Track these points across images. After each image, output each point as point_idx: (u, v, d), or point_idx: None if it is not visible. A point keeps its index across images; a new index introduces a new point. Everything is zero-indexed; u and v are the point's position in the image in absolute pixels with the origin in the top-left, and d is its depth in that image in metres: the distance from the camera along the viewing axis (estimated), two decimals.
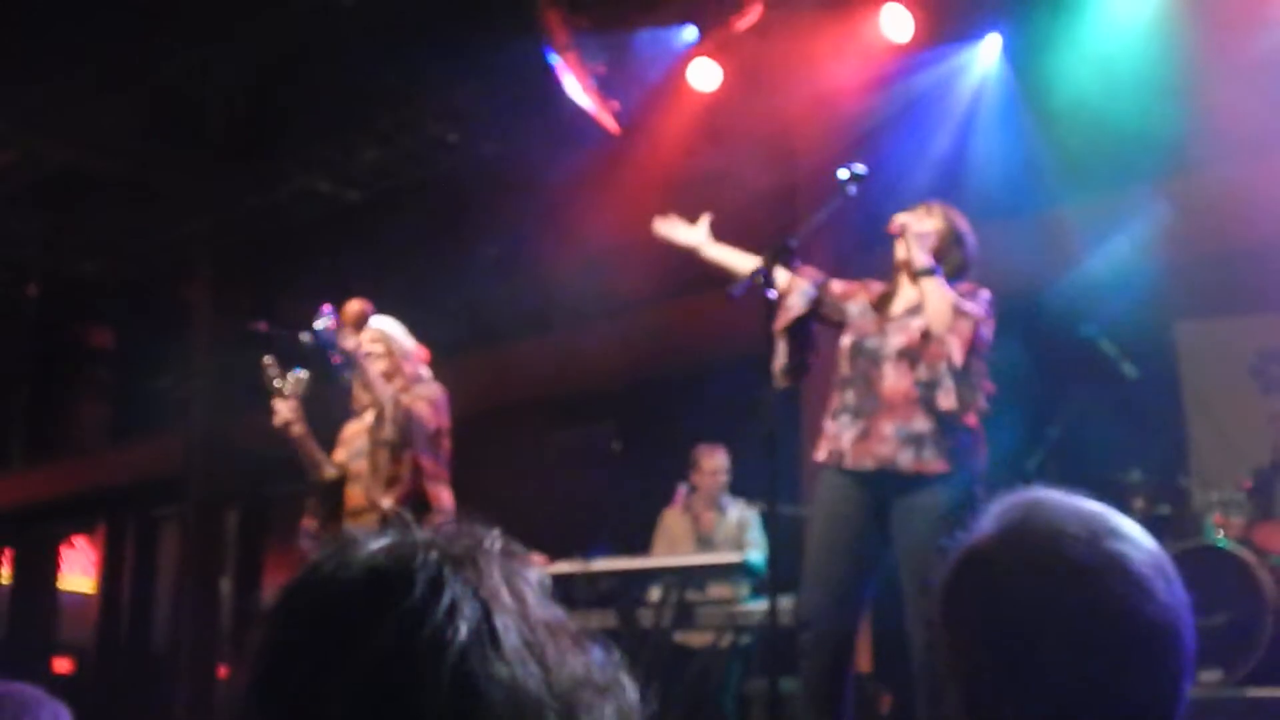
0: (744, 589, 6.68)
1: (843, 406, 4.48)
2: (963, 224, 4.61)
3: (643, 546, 7.34)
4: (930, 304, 4.33)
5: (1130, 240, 7.10)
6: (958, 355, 4.29)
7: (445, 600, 1.05)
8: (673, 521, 7.36)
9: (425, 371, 5.44)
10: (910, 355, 4.39)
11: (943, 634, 1.48)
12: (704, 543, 7.14)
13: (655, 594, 6.26)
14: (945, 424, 4.30)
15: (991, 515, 1.51)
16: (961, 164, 7.85)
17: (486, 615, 1.05)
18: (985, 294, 4.49)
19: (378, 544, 1.10)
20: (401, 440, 5.04)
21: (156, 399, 13.96)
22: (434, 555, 1.08)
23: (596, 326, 9.95)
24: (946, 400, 4.28)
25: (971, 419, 4.33)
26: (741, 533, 7.13)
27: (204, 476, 12.37)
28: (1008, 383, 7.52)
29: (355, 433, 5.31)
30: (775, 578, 4.18)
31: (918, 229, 4.44)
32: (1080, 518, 1.45)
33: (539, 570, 1.13)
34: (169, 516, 14.19)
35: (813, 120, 8.29)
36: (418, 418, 5.08)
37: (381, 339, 5.33)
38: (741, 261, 4.68)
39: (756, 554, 6.47)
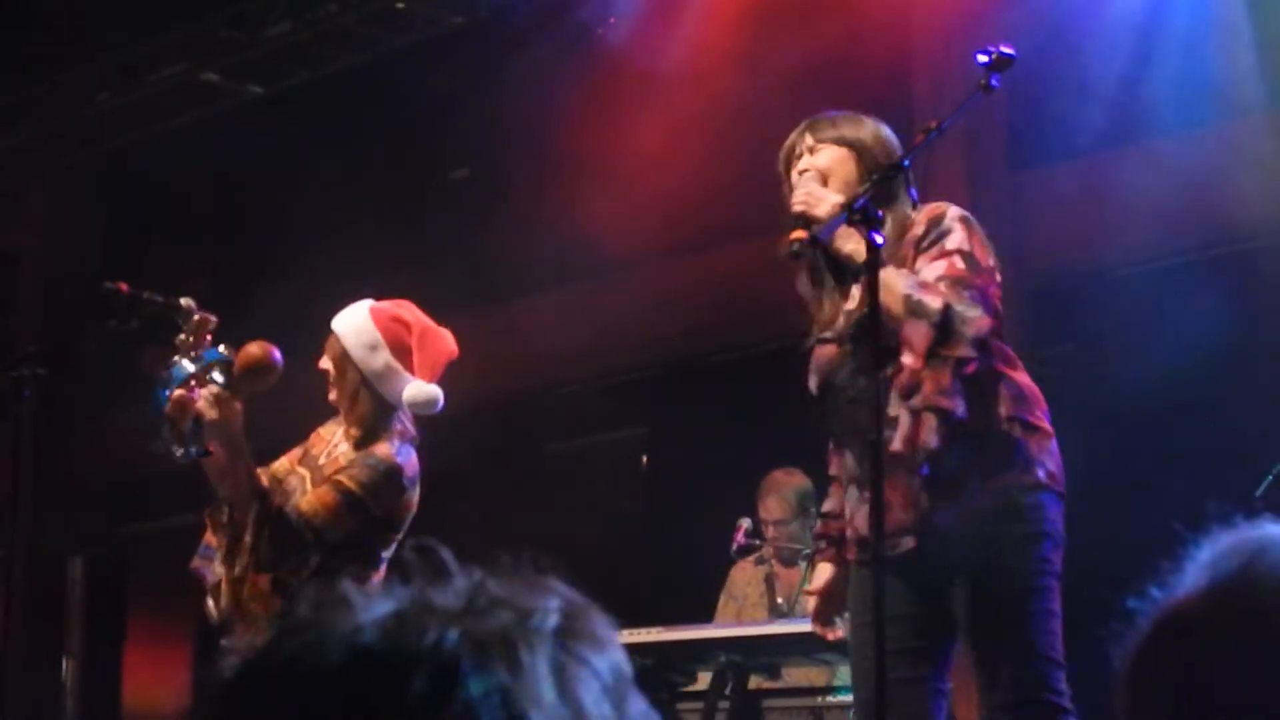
0: (837, 672, 6.72)
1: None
2: (866, 129, 4.73)
3: (687, 610, 7.38)
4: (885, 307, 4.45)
5: None
6: (917, 364, 4.45)
7: (456, 707, 1.03)
8: (742, 578, 7.40)
9: (421, 394, 5.43)
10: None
11: None
12: (784, 613, 7.17)
13: (705, 680, 6.30)
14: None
15: (1201, 565, 1.52)
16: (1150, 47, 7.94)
17: None
18: (951, 214, 4.58)
19: (380, 607, 1.08)
20: (274, 578, 5.08)
21: None
22: (453, 635, 1.06)
23: (612, 284, 9.99)
24: (898, 441, 4.50)
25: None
26: None
27: (36, 508, 12.44)
28: (1215, 367, 7.60)
29: (318, 450, 5.39)
30: (884, 653, 4.23)
31: (820, 203, 4.52)
32: None
33: (616, 657, 1.12)
34: None
35: None
36: (302, 535, 5.07)
37: (335, 349, 5.33)
38: None
39: None
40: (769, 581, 7.31)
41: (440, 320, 5.44)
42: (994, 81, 4.57)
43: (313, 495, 5.19)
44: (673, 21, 9.17)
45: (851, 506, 4.66)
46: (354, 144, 10.45)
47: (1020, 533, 4.47)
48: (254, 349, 5.19)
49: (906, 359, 4.42)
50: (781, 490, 7.37)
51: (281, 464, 5.43)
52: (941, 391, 4.44)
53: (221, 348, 5.14)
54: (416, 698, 1.02)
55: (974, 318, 4.41)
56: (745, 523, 7.32)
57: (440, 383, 5.40)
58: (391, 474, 5.21)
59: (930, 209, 4.59)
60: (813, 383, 4.69)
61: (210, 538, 5.32)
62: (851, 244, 4.46)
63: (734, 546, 7.32)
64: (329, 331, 5.39)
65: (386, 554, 5.27)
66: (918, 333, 4.40)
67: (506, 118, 9.95)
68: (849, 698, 6.13)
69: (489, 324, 10.61)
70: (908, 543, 4.50)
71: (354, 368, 5.31)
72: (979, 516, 4.45)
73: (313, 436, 5.47)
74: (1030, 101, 7.97)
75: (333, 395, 5.37)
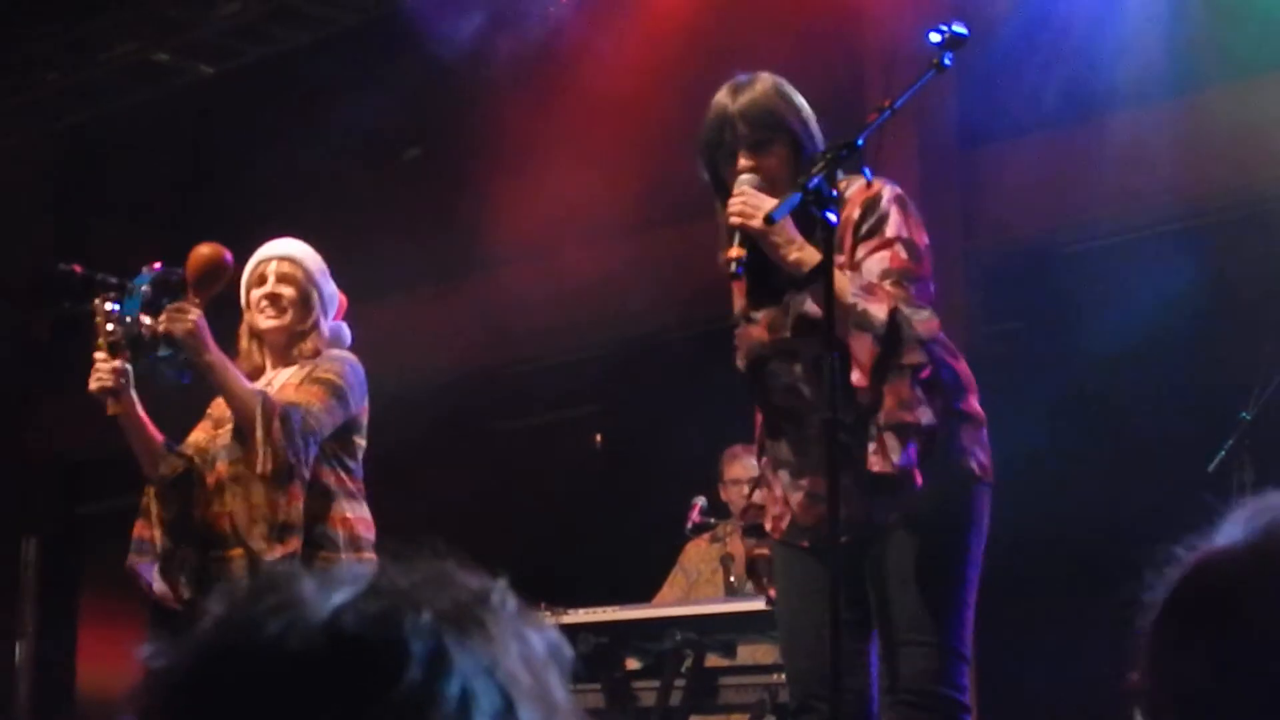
0: None
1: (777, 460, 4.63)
2: (794, 112, 4.54)
3: (641, 589, 7.39)
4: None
5: None
6: (862, 382, 4.30)
7: (454, 686, 1.03)
8: (696, 555, 7.42)
9: (345, 330, 5.49)
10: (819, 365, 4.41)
11: (1152, 679, 1.51)
12: (737, 591, 7.19)
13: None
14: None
15: (1235, 521, 1.52)
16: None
17: (509, 710, 1.04)
18: (886, 195, 4.47)
19: (338, 593, 1.07)
20: (286, 469, 5.07)
21: None
22: (427, 616, 1.05)
23: (567, 261, 9.99)
24: (877, 461, 4.35)
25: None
26: None
27: None
28: (1170, 344, 7.63)
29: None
30: (840, 632, 4.24)
31: (760, 213, 4.27)
32: None
33: (554, 637, 1.12)
34: None
35: None
36: (306, 423, 5.10)
37: (295, 275, 5.38)
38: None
39: None
40: (724, 561, 7.33)
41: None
42: (947, 60, 4.56)
43: (298, 393, 5.19)
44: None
45: (782, 490, 4.59)
46: (307, 123, 10.39)
47: (947, 525, 4.43)
48: (204, 249, 5.23)
49: (855, 377, 4.29)
50: (743, 458, 7.39)
51: (197, 438, 5.39)
52: (903, 405, 4.32)
53: (147, 268, 5.16)
54: (419, 679, 1.02)
55: (923, 320, 4.34)
56: (700, 501, 7.36)
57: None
58: (356, 368, 5.34)
59: (862, 188, 4.44)
60: (741, 362, 4.59)
61: (141, 530, 5.32)
62: (797, 251, 4.34)
63: (689, 525, 7.35)
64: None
65: (360, 462, 5.34)
66: (863, 348, 4.29)
67: (461, 95, 9.92)
68: None
69: (445, 301, 10.60)
70: (841, 539, 4.32)
71: (317, 291, 5.41)
72: (912, 509, 4.40)
73: (212, 407, 5.45)
74: (981, 78, 7.98)
75: (285, 320, 5.36)
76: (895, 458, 4.31)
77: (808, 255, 4.32)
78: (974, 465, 4.48)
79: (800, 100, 4.57)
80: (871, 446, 4.34)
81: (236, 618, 1.07)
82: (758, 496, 4.75)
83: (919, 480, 4.34)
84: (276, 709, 1.02)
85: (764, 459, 4.68)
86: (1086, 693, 7.34)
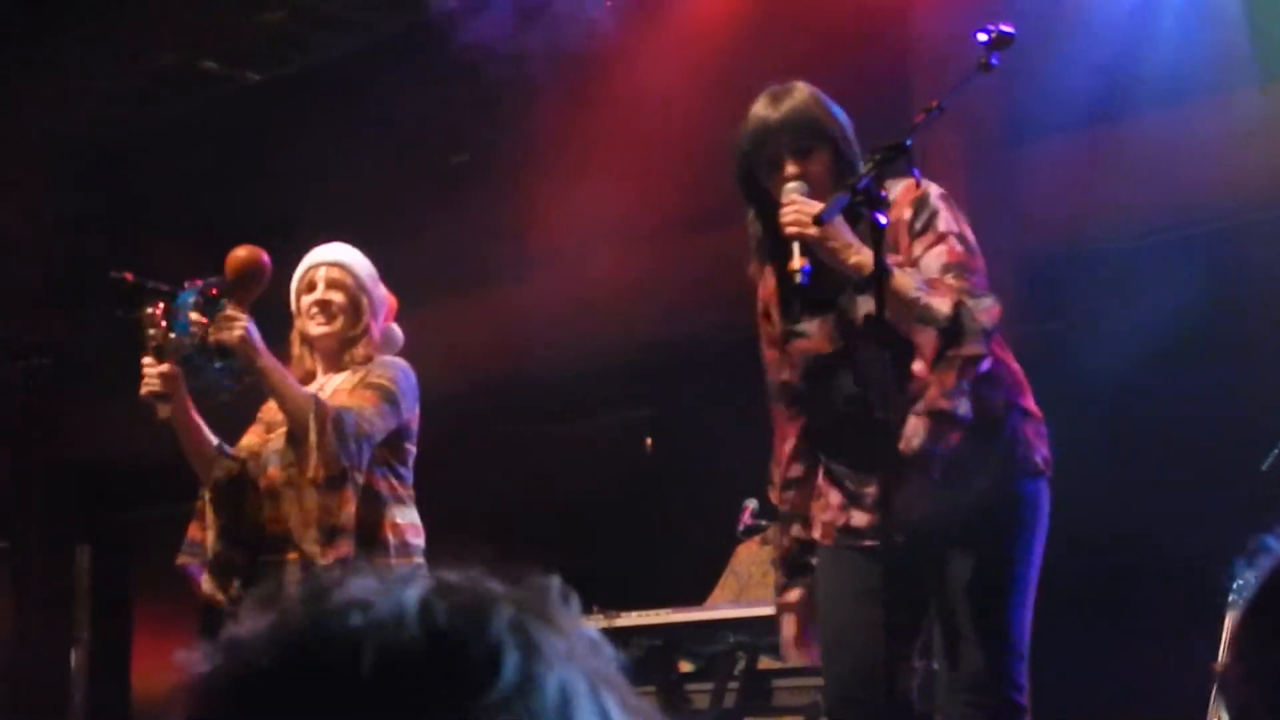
0: None
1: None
2: (834, 118, 4.59)
3: (692, 591, 7.39)
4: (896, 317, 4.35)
5: None
6: (924, 372, 4.36)
7: (552, 676, 1.03)
8: (747, 558, 7.42)
9: (396, 332, 5.52)
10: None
11: (1241, 671, 1.51)
12: None
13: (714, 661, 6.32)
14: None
15: None
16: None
17: (597, 698, 1.04)
18: (933, 193, 4.52)
19: (421, 587, 1.06)
20: (339, 473, 5.09)
21: None
22: (510, 610, 1.05)
23: (620, 261, 10.00)
24: (904, 442, 4.39)
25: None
26: None
27: (45, 496, 12.42)
28: (1212, 344, 7.59)
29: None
30: (895, 633, 4.24)
31: (808, 214, 4.32)
32: None
33: (598, 635, 1.13)
34: None
35: None
36: (359, 428, 5.12)
37: (345, 281, 5.40)
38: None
39: None
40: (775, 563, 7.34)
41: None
42: (994, 60, 4.57)
43: (351, 398, 5.22)
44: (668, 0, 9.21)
45: (841, 497, 4.63)
46: (351, 130, 10.43)
47: (1015, 521, 4.49)
48: (240, 252, 5.26)
49: (917, 367, 4.34)
50: None
51: (250, 441, 5.43)
52: (945, 394, 4.33)
53: (188, 283, 5.19)
54: (514, 673, 1.02)
55: (987, 308, 4.37)
56: (751, 504, 7.36)
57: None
58: (408, 373, 5.37)
59: (907, 188, 4.50)
60: (795, 377, 4.63)
61: (194, 531, 5.36)
62: (855, 255, 4.36)
63: (740, 527, 7.36)
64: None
65: (410, 468, 5.36)
66: (927, 340, 4.34)
67: (504, 100, 9.94)
68: None
69: (495, 305, 10.61)
70: (898, 538, 4.40)
71: (367, 296, 5.44)
72: (976, 505, 4.43)
73: (262, 411, 5.49)
74: (1025, 77, 7.97)
75: (335, 326, 5.40)
76: (916, 442, 4.33)
77: (866, 258, 4.34)
78: (1039, 460, 4.54)
79: (836, 107, 4.60)
80: (905, 435, 4.35)
81: (312, 613, 1.06)
82: (797, 529, 4.74)
83: (935, 472, 4.36)
84: (377, 703, 1.01)
85: (821, 473, 4.69)
86: (1139, 691, 7.35)
